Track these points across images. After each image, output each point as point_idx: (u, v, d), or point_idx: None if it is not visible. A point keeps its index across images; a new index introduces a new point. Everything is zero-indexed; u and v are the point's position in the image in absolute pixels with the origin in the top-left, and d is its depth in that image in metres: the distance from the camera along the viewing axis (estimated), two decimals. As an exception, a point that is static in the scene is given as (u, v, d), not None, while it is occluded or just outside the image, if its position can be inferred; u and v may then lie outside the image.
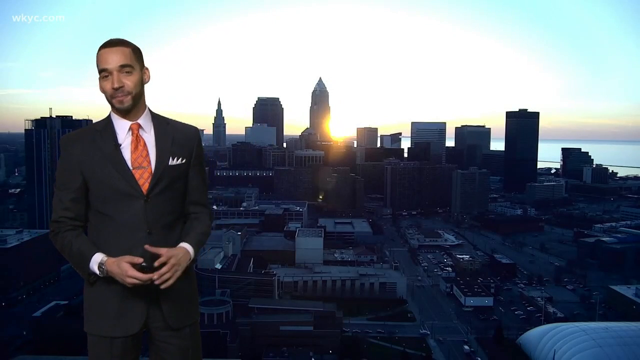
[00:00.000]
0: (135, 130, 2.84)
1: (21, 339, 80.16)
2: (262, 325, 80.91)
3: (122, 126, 2.84)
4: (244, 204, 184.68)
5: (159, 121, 2.94)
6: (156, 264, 2.66)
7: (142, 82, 2.85)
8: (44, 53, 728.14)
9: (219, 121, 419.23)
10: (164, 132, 2.90)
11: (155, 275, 2.64)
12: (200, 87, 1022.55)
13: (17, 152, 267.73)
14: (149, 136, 2.86)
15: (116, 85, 2.72)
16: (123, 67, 2.74)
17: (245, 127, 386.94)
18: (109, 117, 2.88)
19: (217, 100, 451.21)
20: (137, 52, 2.83)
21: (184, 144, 2.93)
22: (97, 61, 2.75)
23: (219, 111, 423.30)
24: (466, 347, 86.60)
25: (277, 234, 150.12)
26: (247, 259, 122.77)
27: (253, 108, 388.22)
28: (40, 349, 68.80)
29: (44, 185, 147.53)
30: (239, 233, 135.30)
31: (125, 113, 2.83)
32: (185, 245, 2.85)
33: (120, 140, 2.81)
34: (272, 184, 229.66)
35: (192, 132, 3.00)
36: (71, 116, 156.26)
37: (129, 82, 2.76)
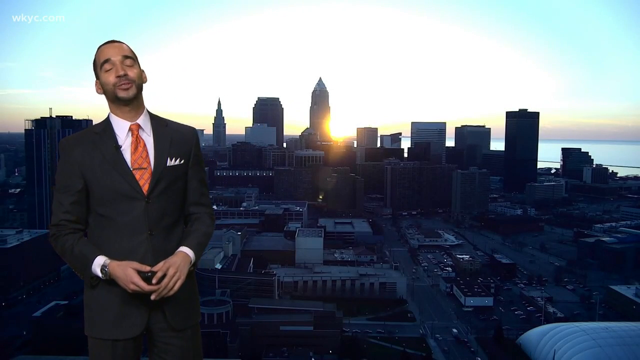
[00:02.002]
0: (135, 131, 2.85)
1: (21, 339, 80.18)
2: (262, 325, 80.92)
3: (121, 127, 2.85)
4: (244, 204, 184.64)
5: (157, 122, 2.95)
6: (154, 280, 2.64)
7: (142, 79, 2.89)
8: (44, 53, 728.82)
9: (219, 121, 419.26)
10: (163, 133, 2.91)
11: (158, 288, 2.64)
12: (200, 87, 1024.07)
13: (17, 152, 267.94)
14: (148, 137, 2.87)
15: (121, 73, 2.76)
16: (126, 58, 2.79)
17: (245, 127, 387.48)
18: (107, 119, 2.89)
19: (217, 100, 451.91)
20: (134, 53, 2.89)
21: (182, 145, 2.94)
22: (97, 57, 2.80)
23: (219, 111, 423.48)
24: (454, 330, 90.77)
25: (277, 234, 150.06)
26: (247, 259, 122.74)
27: (253, 108, 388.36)
28: (40, 349, 68.76)
29: (44, 185, 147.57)
30: (239, 233, 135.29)
31: (127, 104, 2.84)
32: (184, 249, 2.84)
33: (120, 142, 2.82)
34: (272, 184, 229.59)
35: (190, 133, 3.02)
36: (71, 116, 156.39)
37: (132, 72, 2.80)
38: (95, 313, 2.84)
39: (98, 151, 2.77)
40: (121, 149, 2.80)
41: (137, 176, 2.78)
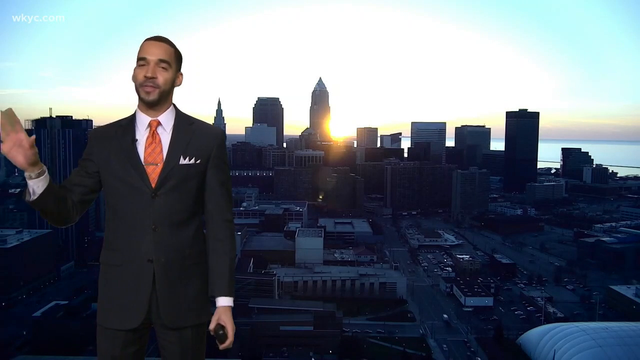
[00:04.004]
0: (153, 127, 2.86)
1: (21, 339, 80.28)
2: (262, 325, 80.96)
3: (142, 121, 2.88)
4: (244, 204, 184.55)
5: (181, 120, 2.94)
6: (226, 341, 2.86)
7: (173, 83, 2.88)
8: (44, 53, 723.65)
9: (219, 121, 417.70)
10: (184, 131, 2.90)
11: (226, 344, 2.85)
12: (200, 87, 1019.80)
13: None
14: (166, 134, 2.88)
15: (149, 75, 2.77)
16: (161, 62, 2.79)
17: (245, 127, 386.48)
18: (134, 112, 2.93)
19: (217, 100, 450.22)
20: (177, 55, 2.88)
21: (201, 145, 2.91)
22: (139, 50, 2.82)
23: (219, 111, 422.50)
24: (445, 315, 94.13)
25: (277, 234, 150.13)
26: (247, 259, 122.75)
27: (253, 108, 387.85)
28: (40, 349, 68.87)
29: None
30: (239, 233, 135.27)
31: (149, 106, 2.87)
32: (222, 302, 2.89)
33: (139, 135, 2.85)
34: (272, 184, 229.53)
35: (214, 133, 2.98)
36: (71, 116, 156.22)
37: (162, 77, 2.80)
38: (101, 302, 2.90)
39: (117, 143, 2.83)
40: (138, 143, 2.84)
41: (149, 171, 2.80)
